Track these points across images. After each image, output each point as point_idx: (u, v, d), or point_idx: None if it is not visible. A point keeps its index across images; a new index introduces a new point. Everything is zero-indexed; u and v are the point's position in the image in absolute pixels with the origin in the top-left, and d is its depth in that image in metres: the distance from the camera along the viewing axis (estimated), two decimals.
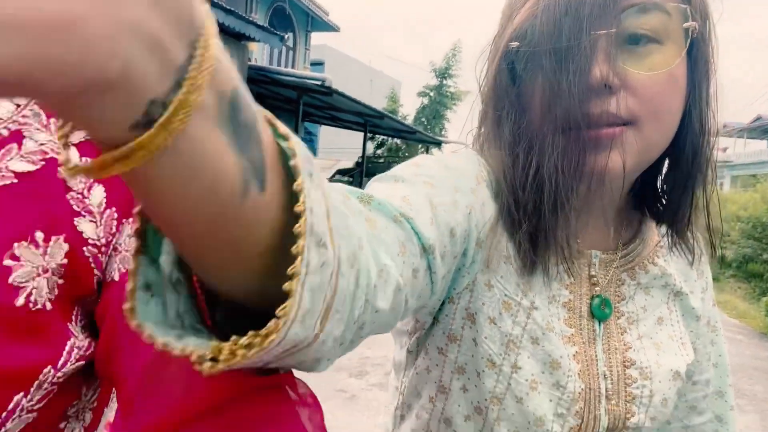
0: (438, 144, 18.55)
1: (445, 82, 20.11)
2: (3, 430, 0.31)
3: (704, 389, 0.74)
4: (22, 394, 0.32)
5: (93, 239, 0.37)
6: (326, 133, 20.92)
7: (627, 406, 0.62)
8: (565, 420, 0.59)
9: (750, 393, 4.56)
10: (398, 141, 19.57)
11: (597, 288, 0.64)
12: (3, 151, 0.35)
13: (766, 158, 29.39)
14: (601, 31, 0.51)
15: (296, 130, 11.18)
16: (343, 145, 20.24)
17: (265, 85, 9.04)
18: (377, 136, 18.96)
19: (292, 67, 16.46)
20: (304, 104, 10.31)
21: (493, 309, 0.58)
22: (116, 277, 0.37)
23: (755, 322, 7.79)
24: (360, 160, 15.01)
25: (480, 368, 0.59)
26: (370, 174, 15.23)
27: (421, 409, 0.65)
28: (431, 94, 20.01)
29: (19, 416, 0.31)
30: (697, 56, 0.57)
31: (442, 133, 19.75)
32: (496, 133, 0.61)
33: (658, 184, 0.66)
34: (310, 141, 18.69)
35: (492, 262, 0.57)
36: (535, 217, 0.56)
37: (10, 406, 0.31)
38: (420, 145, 19.69)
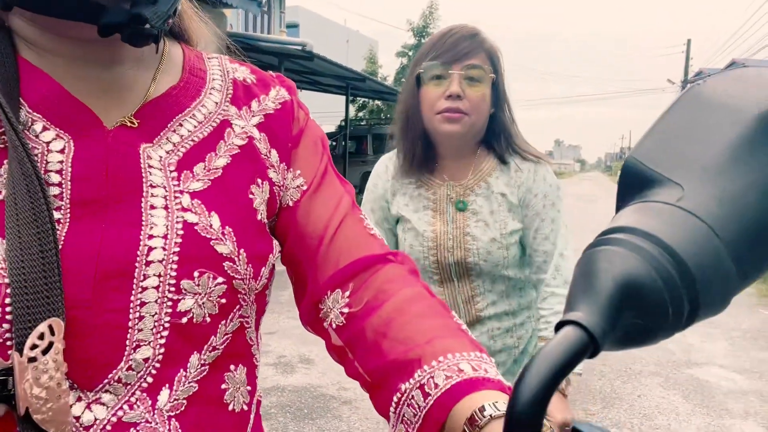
0: None
1: (423, 41, 19.97)
2: (259, 282, 0.53)
3: (541, 244, 1.35)
4: (265, 269, 0.53)
5: (277, 181, 0.58)
6: (306, 98, 20.84)
7: (464, 252, 1.33)
8: (428, 259, 1.35)
9: (720, 322, 4.95)
10: (379, 102, 19.58)
11: (453, 197, 1.36)
12: (225, 133, 0.55)
13: None
14: (459, 72, 1.27)
15: None
16: (324, 109, 20.21)
17: (245, 53, 9.01)
18: (358, 98, 18.96)
19: (268, 31, 16.25)
20: (285, 70, 10.32)
21: (399, 219, 1.42)
22: (290, 204, 0.58)
23: None
24: (342, 124, 15.08)
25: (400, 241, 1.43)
26: (354, 137, 15.32)
27: None
28: (410, 53, 19.91)
29: (259, 281, 0.53)
30: (497, 86, 1.32)
31: None
32: (405, 113, 1.38)
33: (492, 139, 1.37)
34: None
35: (397, 198, 1.41)
36: (417, 161, 1.36)
37: (261, 275, 0.53)
38: None
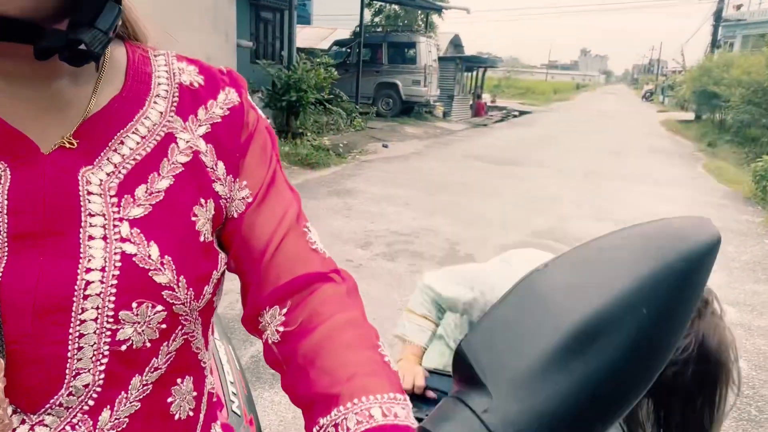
0: (438, 10, 17.71)
1: None
2: (202, 300, 0.55)
3: None
4: (208, 287, 0.55)
5: (223, 194, 0.58)
6: (322, 1, 19.84)
7: None
8: None
9: (722, 251, 4.97)
10: (397, 7, 18.67)
11: None
12: (169, 150, 0.55)
13: None
14: None
15: None
16: (339, 11, 19.32)
17: None
18: (374, 2, 18.06)
19: None
20: None
21: None
22: (235, 215, 0.59)
23: (742, 188, 8.12)
24: (357, 29, 14.49)
25: None
26: (368, 45, 14.77)
27: None
28: None
29: (202, 299, 0.55)
30: None
31: None
32: None
33: None
34: (303, 5, 17.80)
35: None
36: None
37: (203, 294, 0.55)
38: (420, 12, 18.81)
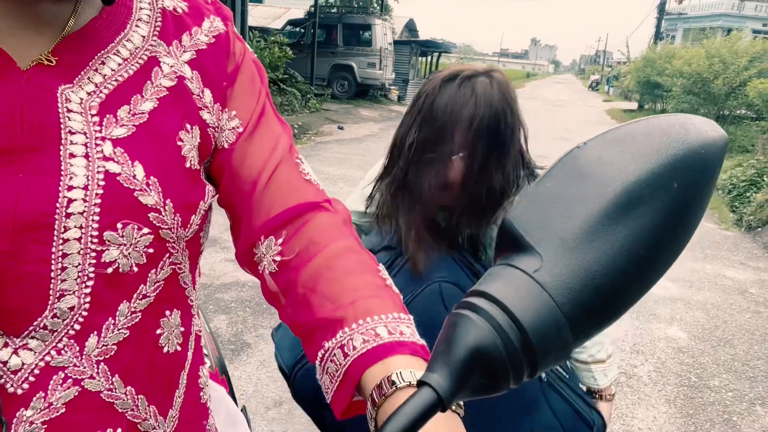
0: None
1: None
2: (189, 230, 0.53)
3: None
4: (195, 216, 0.53)
5: (210, 123, 0.56)
6: None
7: None
8: None
9: None
10: None
11: None
12: (152, 73, 0.52)
13: (719, 11, 29.34)
14: None
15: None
16: None
17: None
18: None
19: None
20: None
21: None
22: (226, 146, 0.57)
23: None
24: (312, 9, 14.25)
25: None
26: (323, 26, 14.57)
27: None
28: None
29: (189, 228, 0.53)
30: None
31: None
32: None
33: None
34: None
35: None
36: None
37: (191, 223, 0.53)
38: None
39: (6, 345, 0.46)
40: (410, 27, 20.88)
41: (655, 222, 0.32)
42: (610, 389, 1.24)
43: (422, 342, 0.48)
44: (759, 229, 5.83)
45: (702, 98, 12.14)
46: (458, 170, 1.06)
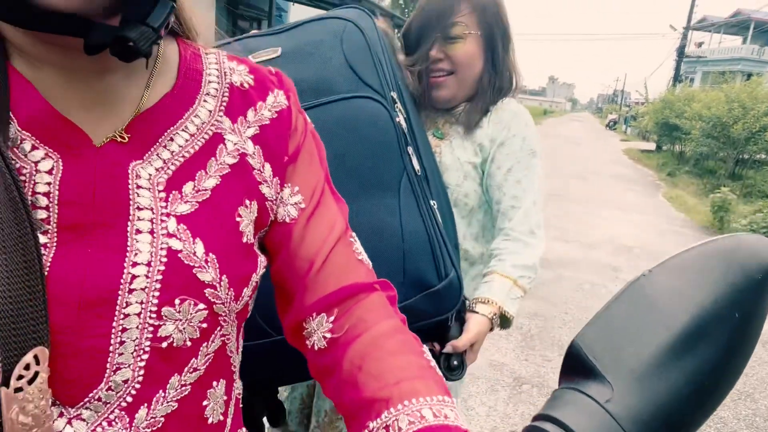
0: None
1: None
2: (240, 302, 0.54)
3: (512, 188, 1.28)
4: (247, 288, 0.55)
5: (269, 196, 0.58)
6: (298, 12, 19.82)
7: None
8: None
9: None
10: None
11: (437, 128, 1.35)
12: (217, 150, 0.55)
13: (739, 55, 29.42)
14: (437, 34, 1.26)
15: (270, 6, 10.71)
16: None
17: None
18: None
19: None
20: None
21: None
22: (287, 220, 0.59)
23: (699, 217, 8.44)
24: None
25: None
26: None
27: None
28: None
29: (240, 301, 0.55)
30: (487, 38, 1.27)
31: None
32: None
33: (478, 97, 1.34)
34: (280, 16, 17.78)
35: None
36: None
37: (242, 296, 0.55)
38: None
39: (61, 415, 0.47)
40: None
41: (720, 355, 0.33)
42: (499, 310, 1.14)
43: (466, 427, 0.48)
44: None
45: (722, 142, 12.08)
46: (475, 45, 1.28)
